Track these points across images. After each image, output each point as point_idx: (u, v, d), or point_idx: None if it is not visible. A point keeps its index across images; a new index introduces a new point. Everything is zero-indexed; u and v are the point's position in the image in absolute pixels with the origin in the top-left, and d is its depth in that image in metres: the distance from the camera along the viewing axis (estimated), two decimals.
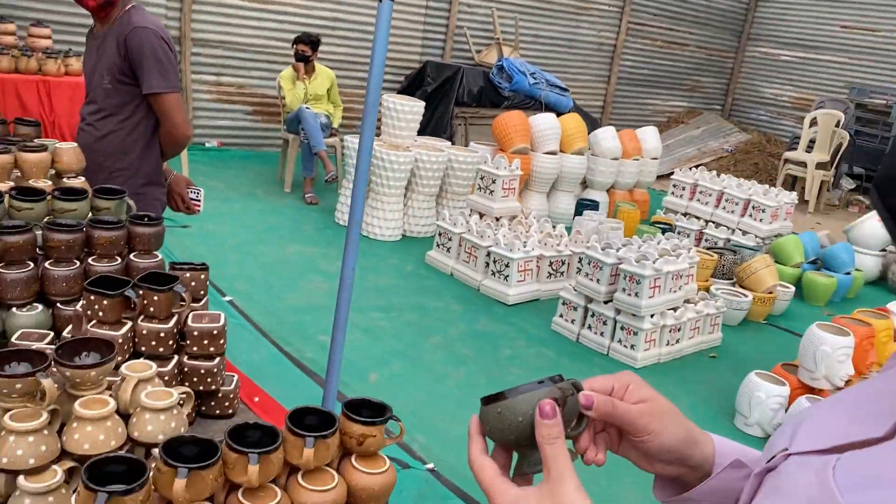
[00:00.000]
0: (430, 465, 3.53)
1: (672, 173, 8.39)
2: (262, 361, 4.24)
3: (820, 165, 10.59)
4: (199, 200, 3.55)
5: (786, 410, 4.28)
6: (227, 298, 5.00)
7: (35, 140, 2.75)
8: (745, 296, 6.01)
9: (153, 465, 1.27)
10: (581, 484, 0.74)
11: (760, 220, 7.32)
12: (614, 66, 12.62)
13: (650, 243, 5.45)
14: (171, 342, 1.83)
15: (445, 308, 5.50)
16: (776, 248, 6.91)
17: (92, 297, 1.75)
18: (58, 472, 1.37)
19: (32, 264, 1.96)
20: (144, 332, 1.80)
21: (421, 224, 6.93)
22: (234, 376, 2.01)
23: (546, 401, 0.76)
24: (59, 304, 1.98)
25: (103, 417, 1.43)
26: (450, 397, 4.26)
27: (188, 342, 1.87)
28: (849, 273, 6.92)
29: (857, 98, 11.80)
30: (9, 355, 1.43)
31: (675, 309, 5.15)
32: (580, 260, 5.78)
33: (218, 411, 1.94)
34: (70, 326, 1.88)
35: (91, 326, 1.76)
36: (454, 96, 9.11)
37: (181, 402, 1.69)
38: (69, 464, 1.39)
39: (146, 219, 2.17)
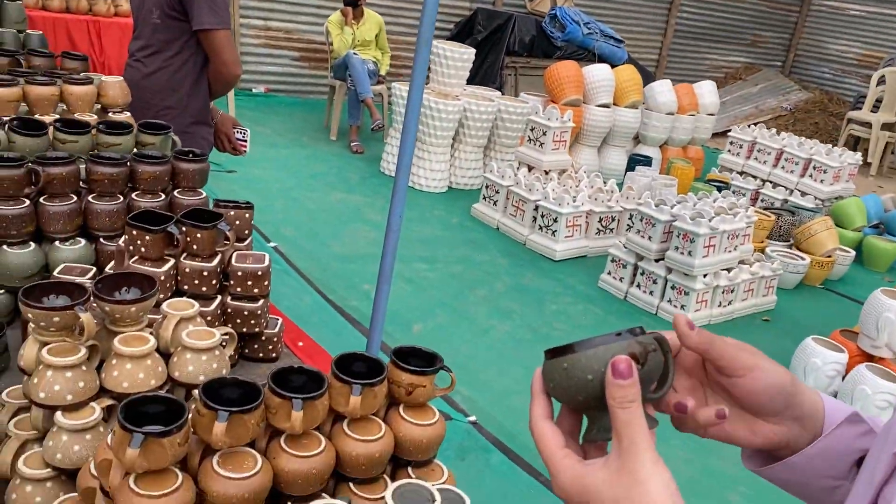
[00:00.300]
0: (473, 418, 3.48)
1: (728, 131, 8.08)
2: (305, 309, 4.21)
3: (885, 126, 10.10)
4: (245, 141, 3.48)
5: (843, 379, 4.12)
6: (272, 244, 4.98)
7: (81, 74, 2.69)
8: (803, 259, 5.78)
9: (193, 407, 1.21)
10: (658, 455, 0.62)
11: (821, 181, 7.01)
12: (671, 17, 12.14)
13: (706, 201, 5.25)
14: (214, 282, 1.77)
15: (491, 262, 5.40)
16: (837, 211, 6.62)
17: (134, 232, 1.69)
18: (96, 410, 1.33)
19: (76, 198, 1.91)
20: (187, 270, 1.74)
21: (468, 176, 6.80)
22: (278, 320, 1.95)
23: (621, 357, 0.64)
24: (102, 240, 1.93)
25: (143, 355, 1.37)
26: (493, 350, 4.18)
27: (232, 282, 1.81)
28: None
29: None
30: (48, 288, 1.38)
31: (728, 270, 4.97)
32: (631, 216, 5.61)
33: (261, 354, 1.89)
34: (112, 262, 1.83)
35: (133, 262, 1.70)
36: (505, 45, 8.86)
37: (223, 343, 1.63)
38: (108, 402, 1.34)
39: (191, 155, 2.10)
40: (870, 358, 4.23)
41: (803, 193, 6.97)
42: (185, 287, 1.76)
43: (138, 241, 1.70)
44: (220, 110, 3.56)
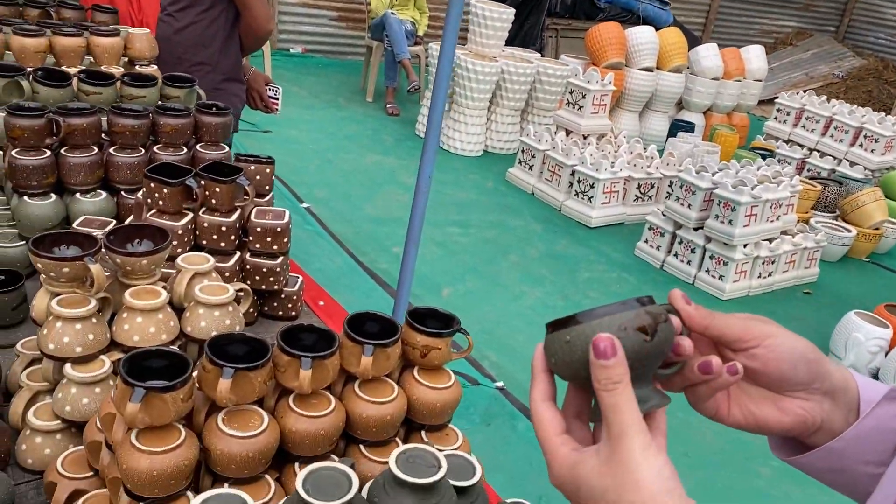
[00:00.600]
0: (500, 384, 3.44)
1: (775, 98, 7.80)
2: (336, 270, 4.19)
3: None
4: (277, 99, 3.43)
5: (886, 354, 3.98)
6: (305, 205, 4.96)
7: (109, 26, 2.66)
8: (849, 231, 5.58)
9: (199, 363, 1.17)
10: (651, 440, 0.56)
11: (872, 150, 6.74)
12: None
13: (749, 169, 5.08)
14: (232, 237, 1.74)
15: (524, 227, 5.32)
16: (887, 182, 6.36)
17: (152, 185, 1.66)
18: (105, 363, 1.31)
19: (97, 150, 1.89)
20: (205, 224, 1.71)
21: (504, 140, 6.68)
22: (298, 278, 1.91)
23: (602, 336, 0.57)
24: (123, 193, 1.91)
25: (154, 309, 1.35)
26: (523, 316, 4.13)
27: (251, 238, 1.77)
28: None
29: None
30: (60, 238, 1.36)
31: (770, 240, 4.82)
32: (671, 183, 5.47)
33: (281, 312, 1.86)
34: (132, 216, 1.81)
35: (150, 215, 1.67)
36: (546, 6, 8.64)
37: (238, 299, 1.60)
38: (118, 355, 1.32)
39: (214, 108, 2.06)
40: None
41: (852, 163, 6.71)
42: (204, 242, 1.73)
43: (156, 194, 1.67)
44: (253, 67, 3.51)
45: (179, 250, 1.65)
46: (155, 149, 1.94)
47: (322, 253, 4.34)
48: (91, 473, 1.20)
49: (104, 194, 1.88)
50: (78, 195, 1.85)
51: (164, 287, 1.43)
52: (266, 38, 3.28)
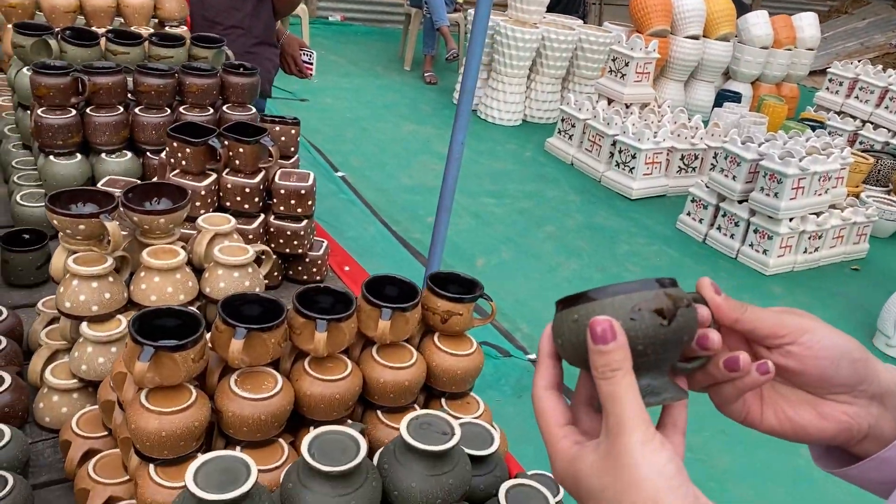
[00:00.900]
0: (533, 356, 3.39)
1: (827, 68, 7.50)
2: (369, 239, 4.17)
3: None
4: (311, 63, 3.39)
5: None
6: (340, 174, 4.93)
7: None
8: None
9: (214, 324, 1.14)
10: (654, 433, 0.50)
11: None
12: None
13: (797, 140, 4.89)
14: (256, 199, 1.70)
15: (562, 198, 5.22)
16: None
17: (175, 144, 1.63)
18: (122, 323, 1.29)
19: (123, 109, 1.87)
20: (229, 186, 1.68)
21: (543, 109, 6.55)
22: (323, 242, 1.88)
23: (600, 319, 0.51)
24: (148, 153, 1.89)
25: (172, 269, 1.32)
26: (558, 289, 4.05)
27: (275, 201, 1.74)
28: None
29: None
30: (77, 195, 1.33)
31: (818, 214, 4.65)
32: (715, 155, 5.31)
33: (305, 277, 1.83)
34: (157, 177, 1.78)
35: (173, 175, 1.65)
36: None
37: (259, 260, 1.57)
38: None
39: (241, 68, 2.02)
40: None
41: None
42: (227, 204, 1.70)
43: (179, 154, 1.64)
44: (287, 31, 3.47)
45: (203, 211, 1.62)
46: (181, 109, 1.91)
47: (356, 222, 4.31)
48: (105, 433, 1.18)
49: (129, 154, 1.86)
50: (103, 155, 1.83)
51: (183, 247, 1.40)
52: (299, 1, 3.23)
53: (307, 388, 1.14)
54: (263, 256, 1.59)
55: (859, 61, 7.87)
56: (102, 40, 2.04)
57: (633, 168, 5.28)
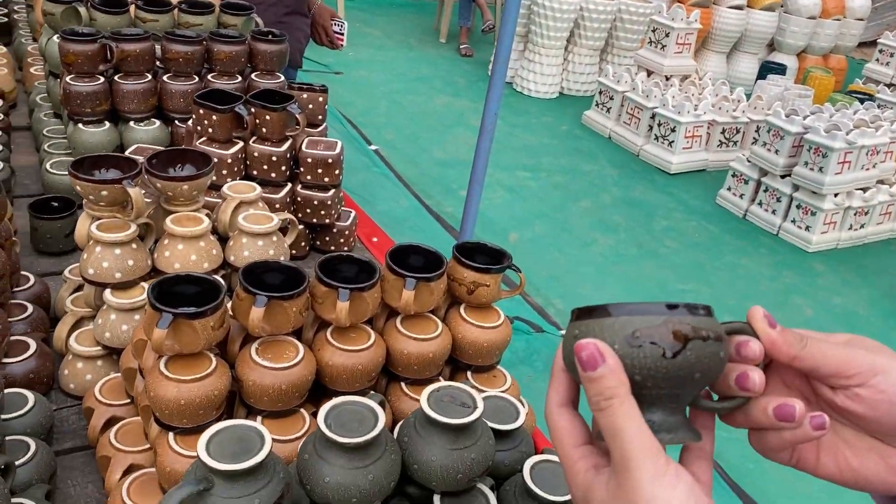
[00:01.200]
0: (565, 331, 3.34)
1: (878, 39, 7.21)
2: (401, 212, 4.14)
3: None
4: (342, 34, 3.34)
5: None
6: (373, 147, 4.90)
7: None
8: None
9: (235, 292, 1.12)
10: (667, 465, 0.44)
11: None
12: None
13: (844, 113, 4.72)
14: (283, 168, 1.68)
15: (599, 172, 5.13)
16: None
17: (201, 111, 1.61)
18: (145, 290, 1.27)
19: (151, 77, 1.85)
20: (256, 154, 1.66)
21: (581, 81, 6.43)
22: (351, 212, 1.85)
23: (585, 342, 0.46)
24: (176, 122, 1.87)
25: (195, 236, 1.30)
26: (593, 264, 3.99)
27: (301, 170, 1.71)
28: None
29: None
30: (100, 161, 1.32)
31: (864, 189, 4.49)
32: (758, 128, 5.16)
33: (332, 247, 1.81)
34: (184, 145, 1.77)
35: (200, 143, 1.63)
36: None
37: (284, 229, 1.54)
38: None
39: (270, 35, 1.98)
40: None
41: None
42: (254, 172, 1.68)
43: (205, 121, 1.62)
44: (319, 1, 3.42)
45: (229, 180, 1.60)
46: (209, 77, 1.89)
47: (388, 195, 4.29)
48: (128, 401, 1.18)
49: (158, 123, 1.85)
50: (132, 123, 1.82)
51: (208, 215, 1.38)
52: None
53: (329, 359, 1.11)
54: (289, 225, 1.56)
55: None
56: (132, 8, 2.02)
57: (673, 142, 5.15)
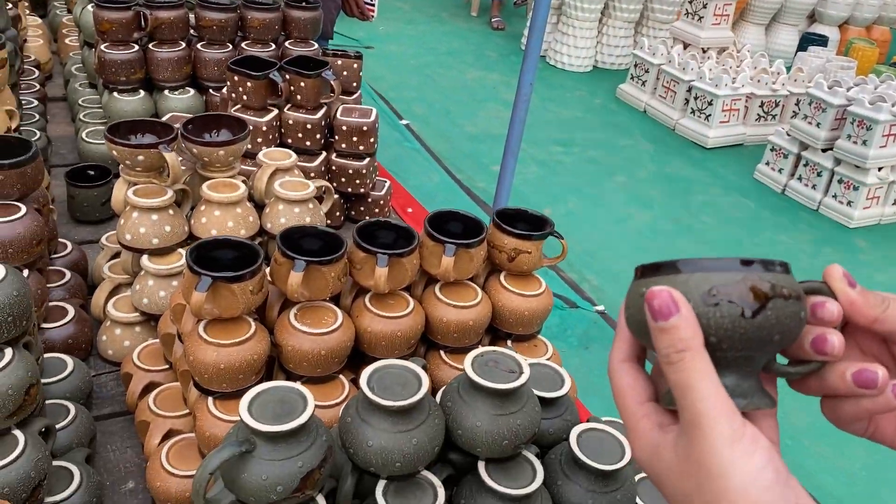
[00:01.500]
0: (601, 308, 3.30)
1: None
2: (432, 187, 4.11)
3: None
4: (373, 5, 3.30)
5: None
6: (404, 122, 4.86)
7: None
8: None
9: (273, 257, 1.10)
10: (743, 428, 0.40)
11: None
12: None
13: (890, 84, 4.57)
14: (318, 136, 1.66)
15: (634, 147, 5.03)
16: None
17: (235, 78, 1.59)
18: (182, 256, 1.27)
19: (185, 45, 1.84)
20: (290, 121, 1.64)
21: (615, 54, 6.31)
22: (385, 182, 1.83)
23: (658, 289, 0.42)
24: (211, 90, 1.86)
25: (232, 203, 1.29)
26: (628, 240, 3.93)
27: (336, 138, 1.69)
28: None
29: None
30: (136, 126, 1.31)
31: None
32: (798, 101, 5.02)
33: (367, 217, 1.78)
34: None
35: (234, 111, 1.61)
36: None
37: (321, 197, 1.53)
38: None
39: (304, 3, 1.95)
40: None
41: None
42: (289, 141, 1.66)
43: (240, 88, 1.60)
44: None
45: (264, 148, 1.58)
46: (243, 45, 1.87)
47: (419, 170, 4.25)
48: (166, 366, 1.17)
49: (192, 91, 1.84)
50: (166, 92, 1.81)
51: (244, 182, 1.36)
52: None
53: (368, 325, 1.09)
54: (325, 193, 1.54)
55: None
56: None
57: (710, 115, 5.04)
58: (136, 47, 1.77)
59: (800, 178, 4.55)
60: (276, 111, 1.63)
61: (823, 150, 4.39)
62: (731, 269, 0.43)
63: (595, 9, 6.01)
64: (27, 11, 2.47)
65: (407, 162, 4.32)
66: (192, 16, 1.87)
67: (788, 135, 4.59)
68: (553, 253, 1.28)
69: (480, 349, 0.86)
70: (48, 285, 1.28)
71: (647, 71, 5.50)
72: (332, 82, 1.64)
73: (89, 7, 1.93)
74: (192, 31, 1.89)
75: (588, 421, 0.92)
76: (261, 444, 0.72)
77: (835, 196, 4.36)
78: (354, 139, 1.67)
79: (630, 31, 6.32)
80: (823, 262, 3.95)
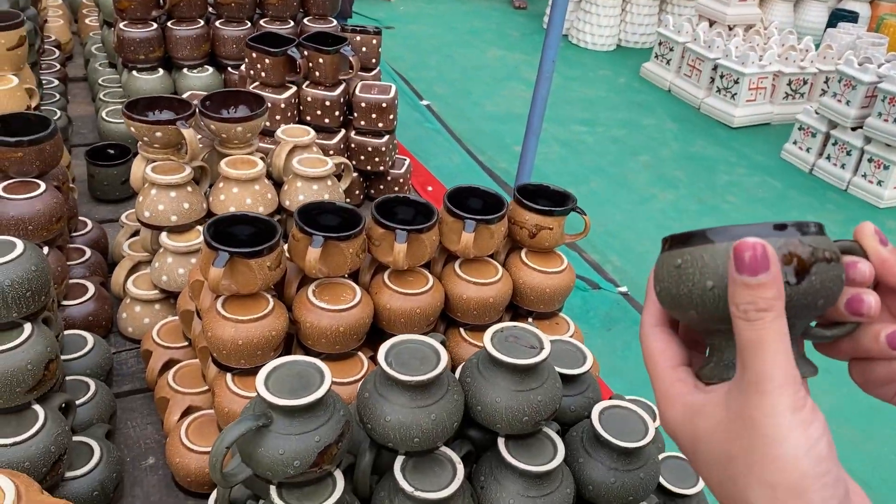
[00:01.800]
0: (623, 289, 3.26)
1: None
2: (453, 168, 4.08)
3: None
4: None
5: None
6: (425, 103, 4.83)
7: None
8: None
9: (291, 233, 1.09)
10: (806, 399, 0.38)
11: None
12: None
13: None
14: (337, 113, 1.64)
15: (658, 126, 4.96)
16: None
17: (254, 55, 1.58)
18: (201, 233, 1.26)
19: (203, 22, 1.82)
20: (309, 98, 1.62)
21: (639, 32, 6.21)
22: (405, 160, 1.81)
23: (749, 241, 0.39)
24: (229, 68, 1.85)
25: (250, 179, 1.28)
26: (652, 220, 3.88)
27: (355, 115, 1.67)
28: None
29: None
30: (154, 103, 1.30)
31: None
32: (827, 79, 4.93)
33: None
34: None
35: (253, 88, 1.60)
36: None
37: (339, 174, 1.51)
38: None
39: None
40: None
41: None
42: (308, 118, 1.65)
43: (258, 65, 1.58)
44: None
45: (283, 125, 1.57)
46: (261, 22, 1.86)
47: (440, 151, 4.23)
48: (185, 343, 1.17)
49: (211, 70, 1.83)
50: (185, 70, 1.80)
51: (262, 159, 1.35)
52: None
53: (386, 302, 1.08)
54: (343, 170, 1.53)
55: None
56: None
57: (736, 94, 4.95)
58: (155, 25, 1.76)
59: (828, 158, 4.46)
60: (294, 88, 1.62)
61: (853, 129, 4.30)
62: (767, 235, 0.41)
63: None
64: None
65: (427, 143, 4.29)
66: None
67: (817, 113, 4.50)
68: (575, 230, 1.26)
69: (500, 325, 0.84)
70: (69, 263, 1.28)
71: (671, 49, 5.41)
72: (350, 58, 1.62)
73: None
74: (210, 9, 1.87)
75: (611, 398, 0.91)
76: (277, 419, 0.71)
77: (864, 175, 4.27)
78: (373, 116, 1.65)
79: (654, 9, 6.22)
80: None
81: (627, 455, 0.83)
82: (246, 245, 0.98)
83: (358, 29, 1.78)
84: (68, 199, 1.33)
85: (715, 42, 5.08)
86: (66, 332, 1.14)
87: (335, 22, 1.91)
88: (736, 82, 4.93)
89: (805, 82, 5.13)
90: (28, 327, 0.88)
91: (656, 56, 5.58)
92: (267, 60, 1.57)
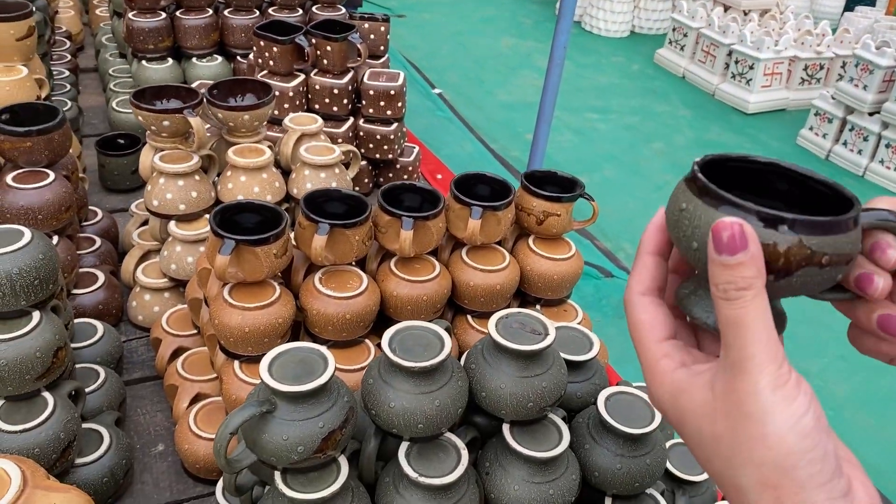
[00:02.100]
0: None
1: None
2: (465, 157, 4.07)
3: None
4: None
5: None
6: (437, 91, 4.81)
7: None
8: None
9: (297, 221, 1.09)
10: (789, 375, 0.38)
11: None
12: None
13: None
14: (345, 101, 1.64)
15: (672, 113, 4.92)
16: None
17: (262, 43, 1.58)
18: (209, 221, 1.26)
19: (212, 11, 1.82)
20: (317, 86, 1.62)
21: (653, 18, 6.15)
22: (414, 148, 1.80)
23: (732, 221, 0.37)
24: (238, 57, 1.85)
25: (258, 168, 1.28)
26: None
27: (364, 103, 1.67)
28: None
29: None
30: (162, 92, 1.30)
31: None
32: (843, 64, 4.86)
33: None
34: None
35: (261, 77, 1.59)
36: None
37: (347, 163, 1.51)
38: None
39: None
40: None
41: None
42: (316, 106, 1.64)
43: (266, 53, 1.58)
44: None
45: (291, 114, 1.57)
46: (270, 10, 1.85)
47: (452, 139, 4.21)
48: (194, 331, 1.18)
49: (220, 59, 1.83)
50: (194, 59, 1.81)
51: (270, 147, 1.35)
52: None
53: (393, 289, 1.08)
54: (351, 159, 1.53)
55: None
56: None
57: (751, 80, 4.89)
58: (164, 15, 1.77)
59: (845, 144, 4.41)
60: (302, 76, 1.62)
61: (870, 114, 4.24)
62: (770, 223, 0.39)
63: None
64: None
65: (439, 131, 4.28)
66: None
67: (833, 98, 4.44)
68: (584, 217, 1.25)
69: (505, 311, 0.84)
70: (79, 252, 1.29)
71: (685, 35, 5.35)
72: (358, 46, 1.62)
73: None
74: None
75: (618, 385, 0.90)
76: (281, 405, 0.72)
77: (882, 161, 4.22)
78: (382, 104, 1.64)
79: None
80: None
81: (633, 441, 0.83)
82: (252, 233, 0.98)
83: (366, 16, 1.78)
84: (78, 188, 1.34)
85: (730, 27, 5.02)
86: (76, 321, 1.15)
87: (343, 10, 1.90)
88: (751, 68, 4.87)
89: (821, 67, 5.06)
90: (36, 315, 0.89)
91: (670, 42, 5.53)
92: (275, 49, 1.56)
